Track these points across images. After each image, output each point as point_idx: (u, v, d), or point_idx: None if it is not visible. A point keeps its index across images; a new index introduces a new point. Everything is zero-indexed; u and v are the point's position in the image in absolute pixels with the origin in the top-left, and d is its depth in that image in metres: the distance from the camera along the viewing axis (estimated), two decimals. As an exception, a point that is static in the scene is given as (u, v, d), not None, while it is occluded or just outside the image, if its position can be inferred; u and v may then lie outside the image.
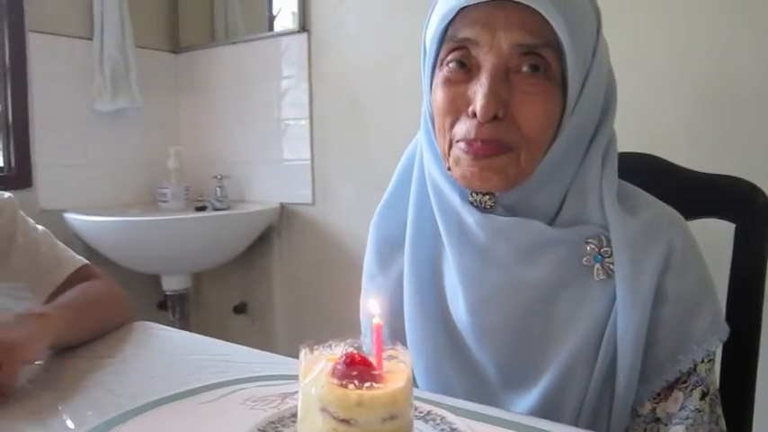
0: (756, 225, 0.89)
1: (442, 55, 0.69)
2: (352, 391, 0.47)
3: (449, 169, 0.70)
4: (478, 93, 0.64)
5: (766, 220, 0.89)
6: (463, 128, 0.67)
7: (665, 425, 0.68)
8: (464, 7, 0.65)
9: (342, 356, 0.50)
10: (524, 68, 0.65)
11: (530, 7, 0.63)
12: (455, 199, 0.72)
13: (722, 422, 0.70)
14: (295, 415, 0.57)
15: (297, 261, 2.27)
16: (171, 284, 2.16)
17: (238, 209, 2.26)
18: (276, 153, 2.26)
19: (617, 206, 0.69)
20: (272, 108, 2.25)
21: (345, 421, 0.47)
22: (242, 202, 2.34)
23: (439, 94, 0.69)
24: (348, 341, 0.55)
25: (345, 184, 2.11)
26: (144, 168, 2.38)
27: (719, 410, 0.70)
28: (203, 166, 2.40)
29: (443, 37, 0.69)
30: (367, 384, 0.47)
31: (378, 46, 1.99)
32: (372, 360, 0.51)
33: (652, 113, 1.49)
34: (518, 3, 0.63)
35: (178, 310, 2.16)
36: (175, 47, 2.48)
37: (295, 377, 0.72)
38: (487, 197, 0.70)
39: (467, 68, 0.67)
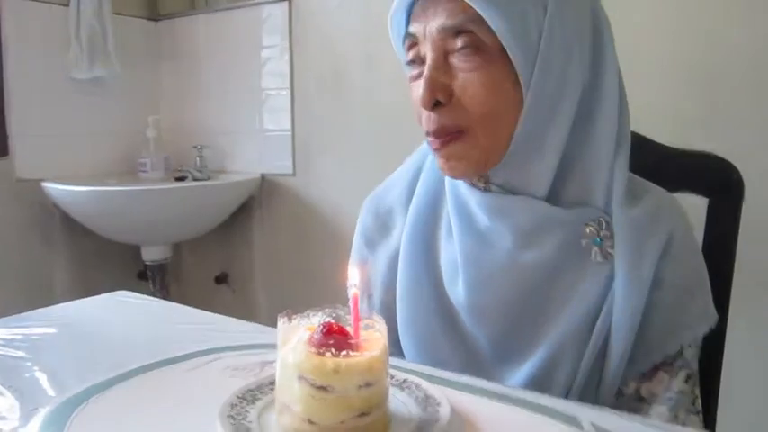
0: (729, 201, 0.91)
1: (405, 53, 0.72)
2: (329, 359, 0.48)
3: None
4: (421, 85, 0.67)
5: (739, 196, 0.90)
6: (423, 120, 0.70)
7: (649, 404, 0.70)
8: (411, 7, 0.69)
9: (319, 326, 0.51)
10: (458, 48, 0.66)
11: None
12: (461, 183, 0.74)
13: (698, 402, 0.72)
14: (273, 383, 0.59)
15: (277, 231, 2.27)
16: (151, 255, 2.15)
17: (218, 179, 2.25)
18: (257, 123, 2.25)
19: (623, 194, 0.70)
20: (253, 78, 2.23)
21: (322, 388, 0.48)
22: (222, 172, 2.32)
23: (411, 94, 0.72)
24: (326, 310, 0.56)
25: (326, 155, 2.11)
26: (123, 138, 2.35)
27: (697, 391, 0.72)
28: (183, 136, 2.38)
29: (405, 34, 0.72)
30: (344, 353, 0.48)
31: (360, 16, 1.97)
32: (349, 329, 0.52)
33: (634, 92, 1.50)
34: None
35: (158, 280, 2.16)
36: (155, 14, 2.43)
37: (274, 346, 0.74)
38: (476, 178, 0.72)
39: (420, 62, 0.69)
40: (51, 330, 0.83)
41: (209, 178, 2.25)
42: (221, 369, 0.68)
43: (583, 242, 0.71)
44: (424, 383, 0.59)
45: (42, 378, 0.67)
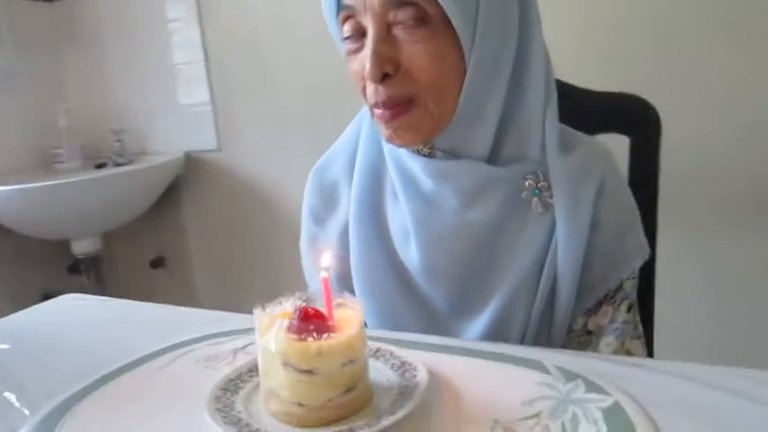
0: (649, 137, 0.97)
1: (339, 26, 0.71)
2: (312, 343, 0.50)
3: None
4: (366, 58, 0.67)
5: (657, 132, 0.97)
6: (369, 92, 0.70)
7: (597, 336, 0.76)
8: None
9: (295, 311, 0.53)
10: (401, 20, 0.66)
11: None
12: (402, 151, 0.75)
13: (639, 327, 0.79)
14: (252, 370, 0.61)
15: (209, 210, 2.24)
16: (81, 248, 2.08)
17: (141, 162, 2.18)
18: (174, 100, 2.18)
19: (557, 145, 0.73)
20: (163, 53, 2.15)
21: (308, 371, 0.50)
22: (144, 154, 2.25)
23: (348, 67, 0.72)
24: (297, 295, 0.58)
25: (251, 127, 2.07)
26: (32, 130, 2.24)
27: (638, 318, 0.79)
28: (97, 122, 2.28)
29: (339, 7, 0.71)
30: (324, 335, 0.50)
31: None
32: (324, 311, 0.54)
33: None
34: None
35: (92, 273, 2.10)
36: (47, -6, 2.29)
37: (240, 332, 0.75)
38: (421, 145, 0.73)
39: (358, 36, 0.69)
40: (4, 346, 0.81)
41: (130, 162, 2.17)
42: (194, 362, 0.68)
43: (523, 195, 0.74)
44: (397, 350, 0.62)
45: (11, 398, 0.65)
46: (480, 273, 0.76)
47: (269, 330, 0.53)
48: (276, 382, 0.52)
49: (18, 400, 0.65)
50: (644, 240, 0.79)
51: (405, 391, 0.54)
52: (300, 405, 0.51)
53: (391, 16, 0.66)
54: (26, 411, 0.61)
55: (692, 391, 0.54)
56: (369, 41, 0.66)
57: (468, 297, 0.77)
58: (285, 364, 0.50)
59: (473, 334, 0.77)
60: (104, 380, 0.65)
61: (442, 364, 0.60)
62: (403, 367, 0.59)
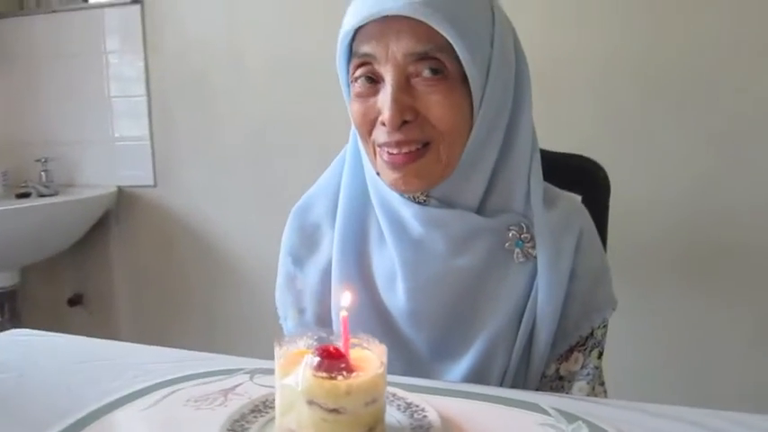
0: (598, 195, 1.05)
1: (351, 70, 0.74)
2: (341, 382, 0.50)
3: (378, 174, 0.76)
4: (384, 104, 0.70)
5: (606, 191, 1.05)
6: (380, 135, 0.72)
7: (569, 381, 0.80)
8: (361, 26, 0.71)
9: (315, 350, 0.53)
10: (422, 73, 0.69)
11: None
12: (393, 195, 0.77)
13: (603, 375, 0.84)
14: (254, 411, 0.60)
15: (139, 247, 2.16)
16: (-3, 281, 1.95)
17: (68, 194, 2.08)
18: (108, 132, 2.11)
19: (541, 201, 0.78)
20: (100, 84, 2.09)
21: (334, 410, 0.50)
22: (71, 186, 2.15)
23: (354, 108, 0.74)
24: (309, 334, 0.58)
25: (191, 164, 2.04)
26: (-52, 154, 2.09)
27: (601, 365, 0.83)
28: (22, 148, 2.17)
29: (350, 53, 0.74)
30: (354, 374, 0.51)
31: (223, 17, 1.93)
32: (342, 350, 0.55)
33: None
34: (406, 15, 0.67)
35: (7, 308, 1.96)
36: (-21, 13, 2.18)
37: (225, 372, 0.74)
38: (419, 193, 0.76)
39: (374, 81, 0.72)
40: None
41: (56, 193, 2.07)
42: (183, 402, 0.66)
43: (506, 245, 0.78)
44: (399, 392, 0.63)
45: None
46: (463, 318, 0.79)
47: (290, 368, 0.53)
48: (298, 421, 0.52)
49: None
50: (612, 291, 0.84)
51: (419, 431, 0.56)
52: (324, 444, 0.51)
53: (412, 68, 0.69)
54: None
55: (681, 429, 0.58)
56: (388, 89, 0.69)
57: (450, 341, 0.80)
58: (311, 403, 0.51)
59: (453, 377, 0.79)
60: (90, 418, 0.62)
61: (442, 406, 0.62)
62: (410, 408, 0.60)
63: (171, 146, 2.05)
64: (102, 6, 2.06)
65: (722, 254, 1.55)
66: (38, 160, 2.08)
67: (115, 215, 2.14)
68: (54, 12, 2.12)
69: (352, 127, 0.80)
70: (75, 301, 2.24)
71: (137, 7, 1.98)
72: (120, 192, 2.12)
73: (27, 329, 0.95)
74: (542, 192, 0.79)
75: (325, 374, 0.51)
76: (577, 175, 1.06)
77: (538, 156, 0.80)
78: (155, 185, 2.08)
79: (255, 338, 1.88)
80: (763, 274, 1.53)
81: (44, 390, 0.72)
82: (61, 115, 2.16)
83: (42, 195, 2.04)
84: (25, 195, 2.05)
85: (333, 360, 0.52)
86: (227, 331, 2.04)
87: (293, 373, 0.52)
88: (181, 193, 2.06)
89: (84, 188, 2.13)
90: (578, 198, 0.88)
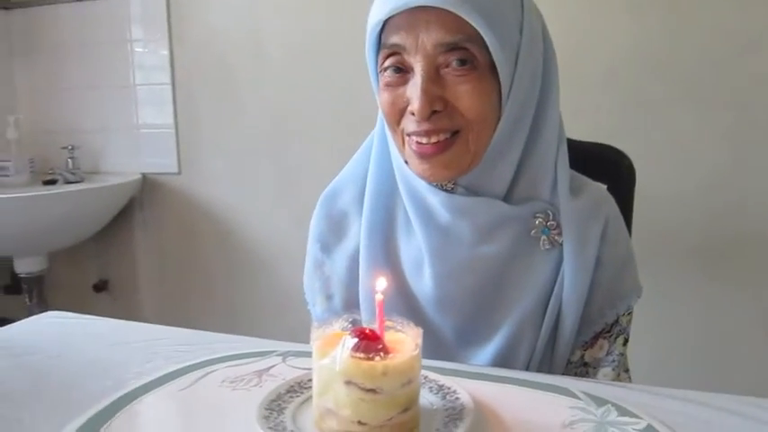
0: (623, 184, 1.05)
1: (380, 61, 0.74)
2: (378, 363, 0.52)
3: (406, 162, 0.77)
4: (414, 94, 0.70)
5: (631, 179, 1.05)
6: (409, 124, 0.73)
7: (594, 368, 0.81)
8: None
9: (351, 332, 0.55)
10: (452, 63, 0.70)
11: None
12: (420, 183, 0.77)
13: (627, 360, 0.85)
14: (290, 391, 0.62)
15: (163, 234, 2.19)
16: (25, 267, 1.98)
17: (94, 181, 2.11)
18: (133, 120, 2.14)
19: (568, 189, 0.78)
20: (126, 72, 2.11)
21: (372, 390, 0.52)
22: (96, 173, 2.18)
23: (383, 98, 0.75)
24: (344, 316, 0.60)
25: (215, 152, 2.06)
26: (-22, 140, 2.13)
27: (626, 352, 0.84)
28: (50, 136, 2.20)
29: (378, 44, 0.74)
30: (390, 356, 0.52)
31: (246, 6, 1.94)
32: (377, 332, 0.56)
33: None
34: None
35: (35, 293, 2.00)
36: (6, 2, 2.20)
37: (258, 354, 0.76)
38: (446, 181, 0.77)
39: (403, 71, 0.72)
40: (4, 364, 0.77)
41: (82, 180, 2.10)
42: (219, 383, 0.68)
43: (532, 232, 0.79)
44: (431, 374, 0.64)
45: (29, 422, 0.61)
46: (489, 305, 0.80)
47: (327, 350, 0.54)
48: (335, 401, 0.53)
49: (31, 423, 0.61)
50: (638, 279, 0.85)
51: (452, 413, 0.57)
52: (361, 424, 0.52)
53: (441, 59, 0.70)
54: (48, 430, 0.59)
55: (709, 414, 0.59)
56: (417, 80, 0.69)
57: (475, 327, 0.81)
58: (348, 383, 0.52)
59: (480, 363, 0.80)
60: (128, 398, 0.64)
61: (473, 388, 0.63)
62: (442, 390, 0.61)
63: (195, 134, 2.07)
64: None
65: (742, 243, 1.54)
66: (64, 147, 2.11)
67: (140, 202, 2.17)
68: (79, 0, 2.13)
69: (379, 114, 0.81)
70: (100, 286, 2.27)
71: (162, -5, 2.00)
72: (145, 179, 2.14)
73: (60, 312, 0.97)
74: (569, 180, 0.80)
75: (362, 355, 0.52)
76: (602, 164, 1.06)
77: (564, 144, 0.81)
78: (179, 173, 2.10)
79: (277, 324, 1.90)
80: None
81: (81, 371, 0.74)
82: (86, 103, 2.18)
83: (69, 182, 2.07)
84: (52, 182, 2.08)
85: (370, 341, 0.53)
86: (250, 317, 2.07)
87: (330, 354, 0.53)
88: (204, 180, 2.08)
89: (110, 175, 2.16)
90: (604, 187, 0.88)
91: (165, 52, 2.04)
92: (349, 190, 0.90)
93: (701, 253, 1.57)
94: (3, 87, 2.23)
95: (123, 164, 2.17)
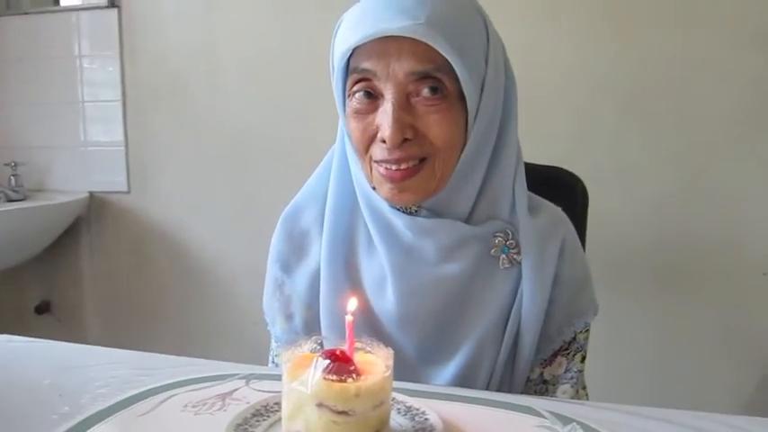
0: (577, 205, 1.09)
1: (348, 85, 0.75)
2: (351, 385, 0.51)
3: (373, 188, 0.78)
4: (384, 122, 0.71)
5: (584, 201, 1.09)
6: (378, 152, 0.73)
7: (553, 385, 0.82)
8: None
9: (321, 354, 0.54)
10: (422, 92, 0.71)
11: None
12: (383, 205, 0.78)
13: (584, 378, 0.86)
14: (256, 415, 0.61)
15: (111, 254, 2.13)
16: (-38, 289, 1.89)
17: (38, 199, 2.04)
18: (80, 137, 2.08)
19: (526, 209, 0.80)
20: (73, 88, 2.07)
21: (344, 413, 0.52)
22: (41, 191, 2.12)
23: (351, 125, 0.75)
24: (313, 338, 0.59)
25: (167, 171, 2.02)
26: None
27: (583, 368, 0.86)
28: (-10, 152, 2.12)
29: (347, 68, 0.74)
30: (363, 377, 0.52)
31: (202, 25, 1.92)
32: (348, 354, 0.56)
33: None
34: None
35: (-27, 316, 1.91)
36: (-57, 15, 2.13)
37: (220, 377, 0.74)
38: (413, 204, 0.78)
39: (373, 97, 0.73)
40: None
41: (26, 198, 2.04)
42: (181, 407, 0.66)
43: (492, 251, 0.81)
44: (399, 395, 0.64)
45: None
46: (450, 323, 0.81)
47: (298, 372, 0.54)
48: (306, 424, 0.52)
49: None
50: (595, 297, 0.87)
51: (422, 434, 0.57)
52: (333, 446, 0.52)
53: (412, 87, 0.71)
54: None
55: (669, 430, 0.61)
56: (389, 108, 0.70)
57: (437, 346, 0.81)
58: (320, 406, 0.52)
59: (441, 381, 0.80)
60: (86, 425, 0.62)
61: (440, 409, 0.63)
62: (410, 411, 0.61)
63: (146, 152, 2.03)
64: (76, 9, 2.04)
65: (692, 259, 1.61)
66: (6, 164, 2.05)
67: (87, 221, 2.11)
68: (26, 14, 2.08)
69: (339, 133, 0.82)
70: (42, 308, 2.19)
71: (113, 11, 1.97)
72: (92, 197, 2.09)
73: (8, 335, 0.93)
74: (527, 200, 0.82)
75: (335, 377, 0.52)
76: (557, 186, 1.09)
77: (522, 166, 0.83)
78: (128, 191, 2.06)
79: (231, 345, 1.87)
80: (725, 282, 1.60)
81: (35, 397, 0.71)
82: (31, 119, 2.12)
83: (11, 201, 2.00)
84: (-7, 200, 2.01)
85: (342, 363, 0.53)
86: (203, 339, 2.02)
87: (301, 376, 0.53)
88: (156, 199, 2.04)
89: (55, 193, 2.10)
90: (560, 208, 0.91)
91: (116, 68, 2.01)
92: (310, 209, 0.89)
93: (653, 270, 1.63)
94: (-58, 101, 2.14)
95: (70, 182, 2.11)
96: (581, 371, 0.84)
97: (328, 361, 0.53)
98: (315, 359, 0.54)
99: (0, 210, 1.90)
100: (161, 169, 2.02)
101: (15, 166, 2.05)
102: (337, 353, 0.55)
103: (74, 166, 2.11)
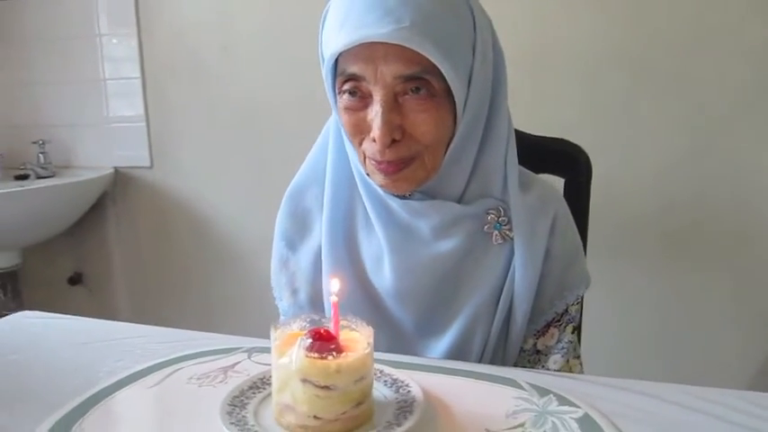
0: (580, 178, 1.09)
1: (338, 84, 0.77)
2: (332, 362, 0.55)
3: (368, 174, 0.80)
4: (374, 123, 0.73)
5: (588, 174, 1.09)
6: (370, 148, 0.76)
7: (545, 355, 0.86)
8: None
9: (307, 333, 0.58)
10: (410, 92, 0.73)
11: None
12: (378, 188, 0.81)
13: (579, 348, 0.90)
14: (253, 387, 0.65)
15: (136, 227, 2.20)
16: (-1, 262, 1.99)
17: (66, 176, 2.11)
18: (104, 114, 2.14)
19: (517, 185, 0.82)
20: (94, 66, 2.11)
21: (326, 387, 0.56)
22: (68, 167, 2.19)
23: (344, 119, 0.78)
24: (303, 317, 0.63)
25: (186, 145, 2.07)
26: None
27: (576, 339, 0.89)
28: (19, 131, 2.19)
29: (334, 68, 0.76)
30: (342, 355, 0.56)
31: (214, 8, 1.95)
32: (332, 332, 0.59)
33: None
34: None
35: (9, 288, 2.01)
36: (-32, -4, 2.19)
37: (223, 351, 0.79)
38: (406, 192, 0.81)
39: (361, 96, 0.75)
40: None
41: (54, 175, 2.11)
42: (186, 380, 0.71)
43: (485, 228, 0.83)
44: (386, 368, 0.68)
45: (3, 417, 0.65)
46: (446, 297, 0.84)
47: (285, 349, 0.58)
48: (293, 397, 0.57)
49: (12, 418, 0.64)
50: (586, 270, 0.89)
51: (403, 406, 0.61)
52: (317, 418, 0.56)
53: (399, 87, 0.72)
54: (23, 429, 0.61)
55: (645, 403, 0.64)
56: (378, 109, 0.72)
57: (433, 319, 0.85)
58: (304, 381, 0.56)
59: (437, 353, 0.84)
60: (100, 396, 0.67)
61: (426, 381, 0.67)
62: (396, 384, 0.65)
63: (166, 127, 2.08)
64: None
65: (696, 234, 1.61)
66: (34, 142, 2.11)
67: (112, 196, 2.18)
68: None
69: (333, 116, 0.84)
70: (75, 279, 2.29)
71: (130, -10, 2.00)
72: (117, 173, 2.15)
73: (36, 312, 0.99)
74: (518, 177, 0.84)
75: (316, 355, 0.55)
76: (561, 159, 1.10)
77: (513, 142, 0.85)
78: (151, 166, 2.11)
79: (251, 316, 1.93)
80: (731, 255, 1.60)
81: (55, 370, 0.77)
82: (56, 98, 2.18)
83: (41, 177, 2.08)
84: (24, 177, 2.08)
85: (324, 342, 0.57)
86: (223, 309, 2.09)
87: (288, 353, 0.57)
88: (177, 173, 2.09)
89: (82, 169, 2.16)
90: (553, 181, 0.93)
91: (134, 45, 2.04)
92: (311, 188, 0.93)
93: (659, 241, 1.63)
94: (-30, 82, 2.21)
95: (95, 158, 2.17)
96: (572, 341, 0.87)
97: (311, 340, 0.57)
98: (299, 338, 0.57)
99: (31, 187, 1.98)
100: (180, 143, 2.07)
101: (43, 144, 2.11)
102: (321, 331, 0.58)
103: (98, 143, 2.16)
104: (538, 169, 1.04)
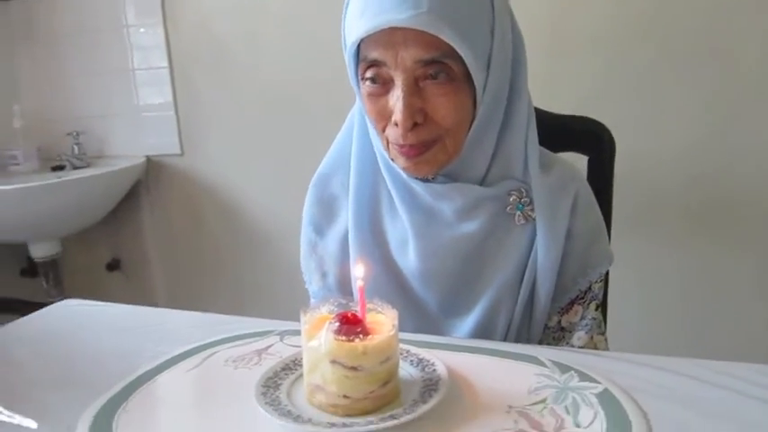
0: (603, 156, 1.09)
1: (360, 70, 0.79)
2: (358, 344, 0.58)
3: (392, 159, 0.83)
4: (396, 107, 0.75)
5: (611, 152, 1.09)
6: (392, 133, 0.78)
7: (570, 332, 0.88)
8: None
9: (335, 317, 0.61)
10: (430, 76, 0.74)
11: None
12: (402, 172, 0.83)
13: (603, 325, 0.91)
14: (285, 369, 0.69)
15: (169, 214, 2.26)
16: (40, 251, 2.07)
17: (100, 166, 2.17)
18: (134, 103, 2.19)
19: (538, 166, 0.84)
20: (123, 56, 2.16)
21: (354, 368, 0.58)
22: (101, 157, 2.25)
23: (368, 106, 0.80)
24: (331, 301, 0.66)
25: (215, 132, 2.11)
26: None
27: (601, 316, 0.91)
28: (53, 123, 2.26)
29: (357, 55, 0.78)
30: (369, 337, 0.59)
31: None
32: (359, 315, 0.62)
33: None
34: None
35: (51, 276, 2.09)
36: (4, -7, 2.25)
37: (256, 334, 0.83)
38: (429, 175, 0.83)
39: (383, 82, 0.77)
40: (26, 350, 0.85)
41: (89, 165, 2.17)
42: (222, 363, 0.75)
43: (507, 209, 0.85)
44: (413, 348, 0.71)
45: (46, 408, 0.68)
46: (470, 278, 0.86)
47: (314, 332, 0.61)
48: (323, 378, 0.60)
49: (47, 408, 0.68)
50: (609, 249, 0.91)
51: (429, 384, 0.63)
52: (346, 397, 0.59)
53: (420, 71, 0.74)
54: (73, 410, 0.65)
55: (665, 378, 0.65)
56: (399, 93, 0.74)
57: (457, 299, 0.87)
58: (333, 362, 0.59)
59: (462, 332, 0.87)
60: (142, 380, 0.71)
61: (451, 360, 0.69)
62: (421, 363, 0.68)
63: (195, 114, 2.12)
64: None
65: (722, 208, 1.59)
66: (69, 134, 2.17)
67: (145, 184, 2.24)
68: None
69: (357, 104, 0.86)
70: (113, 266, 2.36)
71: (155, -19, 2.03)
72: (149, 161, 2.21)
73: (77, 300, 1.04)
74: (538, 157, 0.85)
75: (344, 338, 0.58)
76: (584, 138, 1.11)
77: (534, 123, 0.86)
78: (182, 154, 2.16)
79: (281, 299, 1.98)
80: (757, 231, 1.58)
81: (98, 355, 0.82)
82: (88, 89, 2.23)
83: (76, 168, 2.14)
84: (60, 168, 2.15)
85: (351, 325, 0.59)
86: (254, 292, 2.15)
87: (317, 336, 0.60)
88: (207, 160, 2.14)
89: (115, 159, 2.22)
90: (576, 160, 0.93)
91: (161, 34, 2.08)
92: (337, 175, 0.95)
93: (683, 217, 1.62)
94: (5, 77, 2.29)
95: (127, 147, 2.23)
96: (595, 318, 0.88)
97: (338, 323, 0.59)
98: (327, 322, 0.60)
99: (68, 178, 2.04)
100: (209, 130, 2.11)
101: (77, 135, 2.17)
102: (348, 315, 0.61)
103: (130, 132, 2.22)
104: (561, 148, 1.05)
